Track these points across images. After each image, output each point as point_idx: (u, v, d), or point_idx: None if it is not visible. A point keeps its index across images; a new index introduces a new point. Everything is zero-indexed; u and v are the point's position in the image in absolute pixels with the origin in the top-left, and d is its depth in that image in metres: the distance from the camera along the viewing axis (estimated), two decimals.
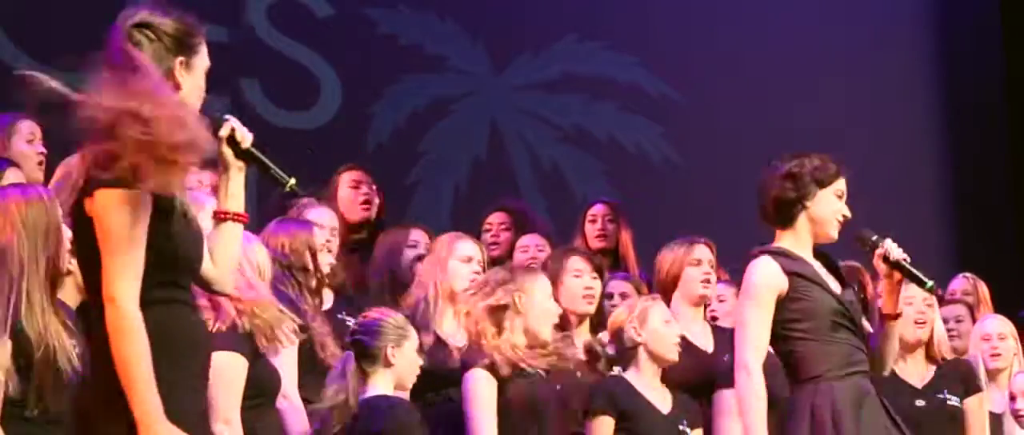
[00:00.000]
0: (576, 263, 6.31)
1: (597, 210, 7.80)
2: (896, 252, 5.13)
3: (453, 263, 6.04)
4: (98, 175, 3.39)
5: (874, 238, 5.18)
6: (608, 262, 7.52)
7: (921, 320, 6.42)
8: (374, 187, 7.48)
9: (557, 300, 6.15)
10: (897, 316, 5.21)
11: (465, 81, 10.11)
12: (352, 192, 7.41)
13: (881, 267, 5.17)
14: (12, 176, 5.91)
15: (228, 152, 3.59)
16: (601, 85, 10.49)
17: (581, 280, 6.27)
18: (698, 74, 10.64)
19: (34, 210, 4.36)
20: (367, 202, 7.43)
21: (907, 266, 5.15)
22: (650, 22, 10.69)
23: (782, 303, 5.02)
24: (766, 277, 5.03)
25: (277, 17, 9.46)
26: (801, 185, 5.11)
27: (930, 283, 5.16)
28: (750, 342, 4.98)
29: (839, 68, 10.98)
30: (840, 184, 5.17)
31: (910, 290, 6.36)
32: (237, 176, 3.61)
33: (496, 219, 7.87)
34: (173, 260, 3.45)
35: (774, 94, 10.71)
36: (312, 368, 5.50)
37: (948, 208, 11.29)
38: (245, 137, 3.59)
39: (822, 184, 5.12)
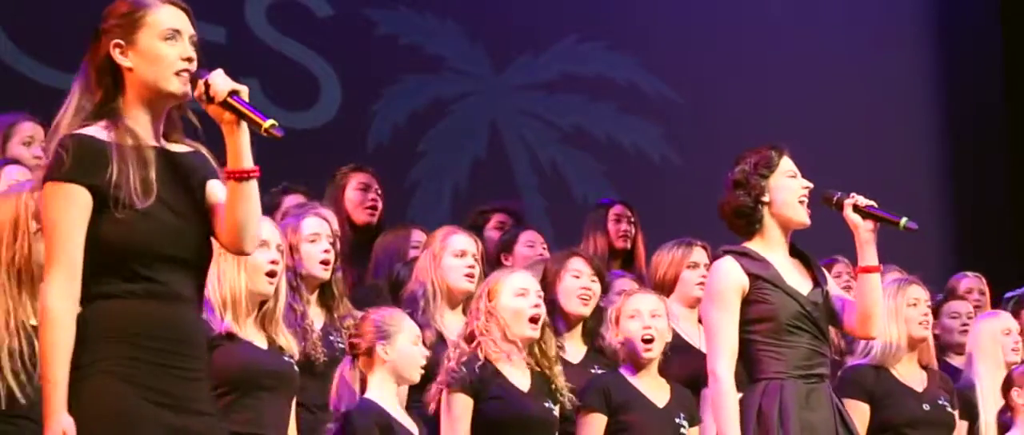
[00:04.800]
0: (577, 264, 6.29)
1: (620, 210, 7.77)
2: (863, 200, 5.08)
3: (447, 259, 6.03)
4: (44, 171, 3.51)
5: (838, 194, 5.13)
6: (618, 263, 7.52)
7: (924, 321, 6.40)
8: (380, 191, 7.47)
9: (556, 299, 6.17)
10: (876, 269, 5.12)
11: (465, 81, 10.11)
12: (360, 195, 7.39)
13: (853, 219, 5.10)
14: (14, 173, 5.92)
15: (212, 109, 3.51)
16: (601, 85, 10.49)
17: (579, 280, 6.25)
18: (698, 74, 10.65)
19: (5, 207, 4.36)
20: (373, 207, 7.42)
21: (877, 211, 5.09)
22: (650, 22, 10.69)
23: (742, 304, 5.02)
24: (728, 278, 5.03)
25: (277, 17, 9.46)
26: (750, 186, 5.10)
27: (903, 220, 5.07)
28: (720, 349, 4.98)
29: (839, 68, 10.99)
30: (786, 164, 5.15)
31: (915, 291, 6.38)
32: (231, 133, 3.49)
33: (499, 220, 7.84)
34: (122, 250, 3.45)
35: (774, 95, 10.72)
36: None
37: (948, 208, 11.29)
38: (219, 91, 3.48)
39: (768, 174, 5.10)
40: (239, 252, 3.61)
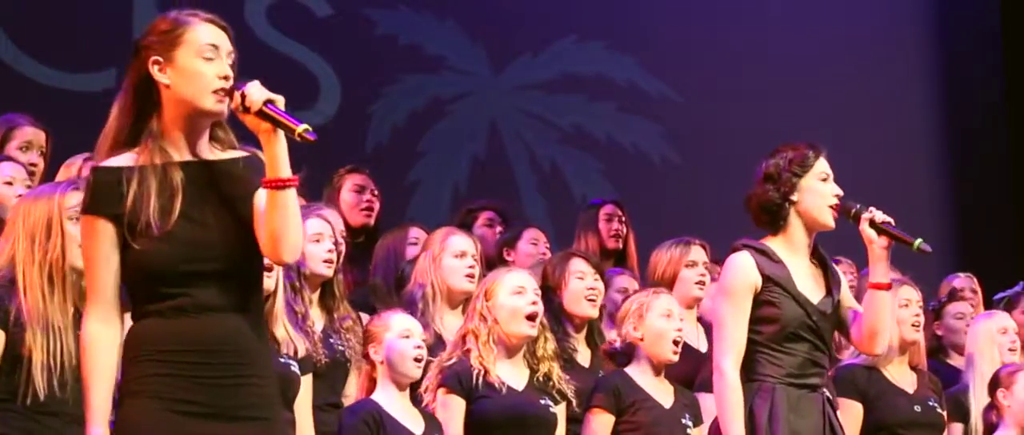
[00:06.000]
0: (579, 265, 6.27)
1: (611, 209, 7.76)
2: (881, 215, 4.98)
3: (447, 259, 6.04)
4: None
5: (857, 206, 5.02)
6: (611, 262, 7.52)
7: (916, 322, 6.39)
8: (376, 193, 7.47)
9: (562, 303, 6.17)
10: (886, 287, 5.01)
11: (464, 81, 10.11)
12: (355, 196, 7.40)
13: (868, 234, 4.98)
14: (8, 170, 5.93)
15: (249, 120, 3.57)
16: (600, 85, 10.49)
17: (585, 281, 6.23)
18: (698, 74, 10.65)
19: (37, 208, 4.42)
20: (369, 209, 7.41)
21: (893, 229, 4.98)
22: (650, 22, 10.69)
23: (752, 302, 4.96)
24: (742, 273, 4.96)
25: (277, 17, 9.47)
26: (781, 182, 5.00)
27: (918, 241, 4.95)
28: (727, 344, 4.93)
29: (839, 68, 10.99)
30: (821, 166, 5.04)
31: (907, 292, 6.37)
32: (268, 142, 3.55)
33: (487, 217, 7.84)
34: (145, 274, 3.54)
35: (774, 95, 10.72)
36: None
37: (948, 208, 11.29)
38: (254, 101, 3.57)
39: (801, 173, 5.00)
40: (278, 262, 3.65)
